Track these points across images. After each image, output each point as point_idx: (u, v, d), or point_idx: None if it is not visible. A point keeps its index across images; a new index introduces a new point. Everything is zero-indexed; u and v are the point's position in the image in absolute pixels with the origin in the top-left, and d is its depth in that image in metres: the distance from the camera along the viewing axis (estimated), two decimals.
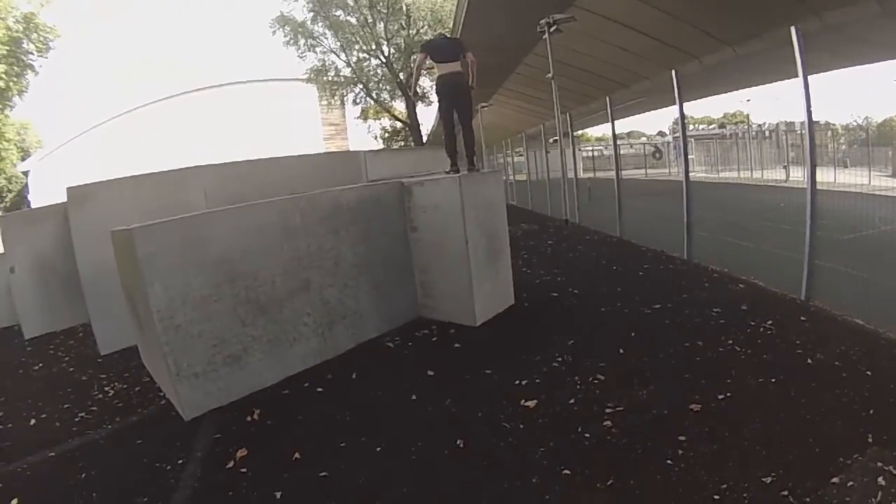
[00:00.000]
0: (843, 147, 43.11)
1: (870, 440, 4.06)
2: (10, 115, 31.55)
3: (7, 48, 25.18)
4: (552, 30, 15.94)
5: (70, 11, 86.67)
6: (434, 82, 8.23)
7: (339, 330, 6.20)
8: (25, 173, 43.18)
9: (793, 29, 7.20)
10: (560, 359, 5.63)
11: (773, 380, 5.00)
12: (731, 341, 5.91)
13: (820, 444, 4.03)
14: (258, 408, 5.02)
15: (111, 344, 7.61)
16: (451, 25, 31.45)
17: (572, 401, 4.76)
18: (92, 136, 45.18)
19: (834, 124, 47.82)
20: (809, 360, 5.39)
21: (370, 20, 41.13)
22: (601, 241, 13.00)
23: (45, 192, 36.46)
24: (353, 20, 41.28)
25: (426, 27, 40.52)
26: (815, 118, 7.78)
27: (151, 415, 5.38)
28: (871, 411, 4.45)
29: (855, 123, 64.22)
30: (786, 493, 3.51)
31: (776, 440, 4.09)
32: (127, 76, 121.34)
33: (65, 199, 7.87)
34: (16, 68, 26.17)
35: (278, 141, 42.68)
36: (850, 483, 3.62)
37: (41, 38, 26.65)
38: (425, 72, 9.79)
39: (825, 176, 9.64)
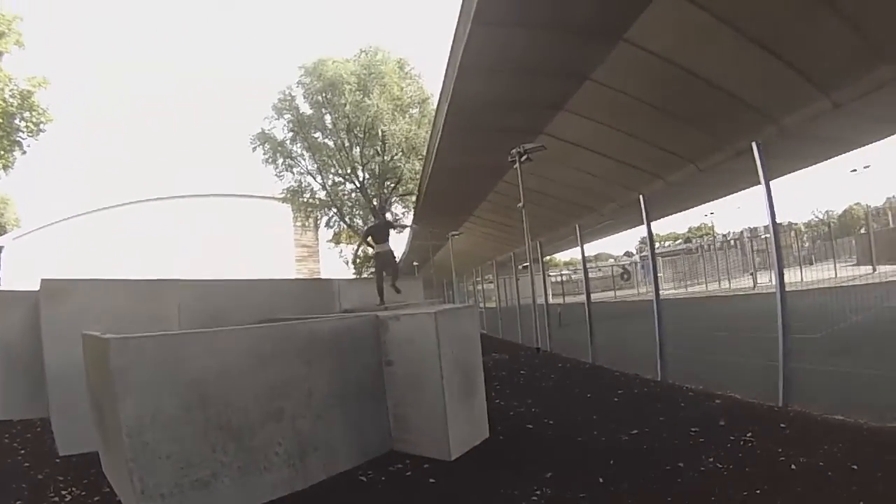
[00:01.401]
0: (807, 244, 44.30)
1: None
2: None
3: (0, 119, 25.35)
4: (523, 159, 16.40)
5: (66, 97, 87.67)
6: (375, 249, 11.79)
7: (311, 461, 6.02)
8: None
9: (753, 144, 7.66)
10: (539, 492, 5.48)
11: (758, 491, 5.00)
12: (711, 459, 5.88)
13: None
14: None
15: (71, 445, 7.28)
16: (423, 153, 32.40)
17: None
18: (70, 224, 45.59)
19: (796, 223, 49.34)
20: (793, 466, 5.43)
21: (347, 144, 42.41)
22: (574, 368, 13.02)
23: (17, 272, 36.54)
24: (331, 143, 42.49)
25: (400, 154, 41.87)
26: (777, 220, 8.10)
27: None
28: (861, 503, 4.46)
29: (816, 219, 66.34)
30: None
31: None
32: (112, 171, 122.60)
33: (36, 286, 7.76)
34: (4, 142, 26.37)
35: (251, 258, 43.00)
36: None
37: (33, 119, 26.97)
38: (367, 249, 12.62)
39: (792, 276, 9.84)
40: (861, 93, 14.13)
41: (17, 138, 27.20)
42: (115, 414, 4.77)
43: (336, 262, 48.36)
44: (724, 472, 5.51)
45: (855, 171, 49.08)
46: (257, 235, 50.37)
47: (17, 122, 26.82)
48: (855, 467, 5.27)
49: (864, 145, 23.35)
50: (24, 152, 27.95)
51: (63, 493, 5.97)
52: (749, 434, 6.22)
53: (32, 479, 6.48)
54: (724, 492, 5.05)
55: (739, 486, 5.12)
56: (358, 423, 6.73)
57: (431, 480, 5.98)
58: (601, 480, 5.68)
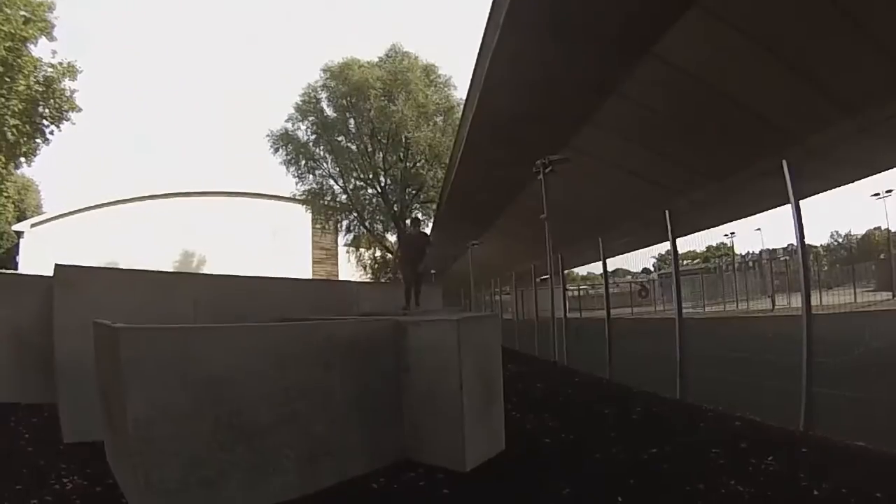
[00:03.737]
0: (826, 268, 43.97)
1: None
2: (15, 173, 31.65)
3: (24, 104, 25.54)
4: (547, 170, 16.37)
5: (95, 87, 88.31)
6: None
7: (322, 465, 5.88)
8: (19, 234, 43.76)
9: (784, 162, 7.56)
10: None
11: None
12: (732, 481, 5.73)
13: None
14: None
15: (77, 433, 7.21)
16: (446, 161, 32.32)
17: None
18: (90, 214, 45.76)
19: (815, 247, 49.00)
20: (815, 492, 5.34)
21: (370, 149, 42.36)
22: (591, 383, 12.90)
23: (35, 258, 37.24)
24: (354, 147, 42.45)
25: (423, 161, 41.73)
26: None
27: None
28: None
29: (836, 243, 65.96)
30: None
31: None
32: (129, 163, 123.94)
33: (51, 272, 7.76)
34: (28, 127, 26.42)
35: (267, 258, 43.00)
36: None
37: (57, 106, 27.14)
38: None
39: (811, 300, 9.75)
40: (887, 116, 14.05)
41: (41, 125, 27.34)
42: (123, 406, 4.69)
43: (354, 266, 48.36)
44: (745, 495, 5.38)
45: (877, 195, 48.62)
46: (275, 236, 50.38)
47: (41, 108, 26.95)
48: (879, 495, 5.20)
49: (887, 169, 23.26)
50: (48, 140, 28.13)
51: (65, 480, 5.90)
52: (770, 458, 6.08)
53: (35, 464, 6.42)
54: None
55: None
56: (372, 430, 6.58)
57: (445, 491, 5.84)
58: (620, 500, 5.59)
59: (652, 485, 5.87)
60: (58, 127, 27.81)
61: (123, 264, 24.60)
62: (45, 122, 27.32)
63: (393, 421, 6.89)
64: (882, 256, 43.32)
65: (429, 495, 5.77)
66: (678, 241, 11.00)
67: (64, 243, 37.50)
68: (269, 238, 49.65)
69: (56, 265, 7.77)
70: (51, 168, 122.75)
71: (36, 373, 8.75)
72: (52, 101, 26.89)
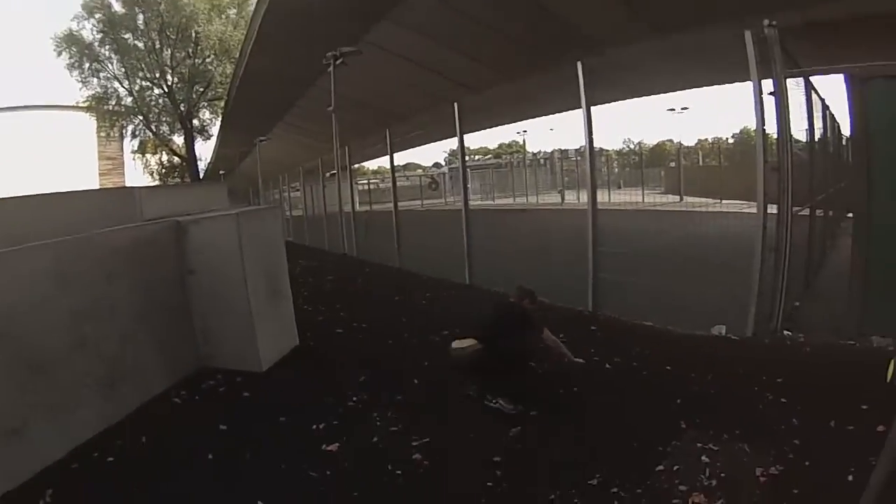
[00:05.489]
0: (616, 170, 47.34)
1: (683, 426, 4.57)
2: None
3: None
4: (338, 62, 16.07)
5: None
6: None
7: (122, 389, 5.55)
8: None
9: (578, 64, 7.79)
10: (355, 397, 5.59)
11: (575, 388, 5.48)
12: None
13: (637, 439, 4.46)
14: (50, 488, 4.26)
15: None
16: (237, 56, 30.96)
17: (375, 439, 4.76)
18: None
19: (608, 150, 52.55)
20: (608, 366, 5.65)
21: (158, 46, 40.04)
22: (381, 272, 13.38)
23: None
24: (141, 45, 39.95)
25: (213, 56, 40.04)
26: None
27: None
28: (678, 400, 5.04)
29: (628, 148, 71.21)
30: (615, 489, 3.81)
31: (592, 444, 4.44)
32: None
33: None
34: None
35: (49, 174, 39.60)
36: (676, 467, 4.01)
37: None
38: None
39: (600, 196, 10.39)
40: (694, 42, 14.87)
41: None
42: None
43: (142, 173, 46.01)
44: (538, 370, 5.82)
45: (672, 110, 52.67)
46: (56, 150, 45.79)
47: None
48: (669, 367, 5.59)
49: (685, 88, 24.92)
50: None
51: None
52: (562, 335, 6.25)
53: None
54: (542, 390, 5.17)
55: (557, 384, 5.26)
56: (166, 342, 6.25)
57: (246, 394, 5.85)
58: (416, 382, 5.70)
59: (445, 365, 6.05)
60: None
61: None
62: None
63: (185, 330, 6.64)
64: (672, 164, 47.34)
65: (230, 400, 5.75)
66: (471, 136, 11.30)
67: None
68: (49, 153, 45.26)
69: None
70: None
71: None
72: None
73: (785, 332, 6.96)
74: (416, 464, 4.29)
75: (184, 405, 5.72)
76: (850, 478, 3.66)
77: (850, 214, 8.76)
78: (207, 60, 40.95)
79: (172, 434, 5.09)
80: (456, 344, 5.31)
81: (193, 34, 39.34)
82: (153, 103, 42.07)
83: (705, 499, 3.63)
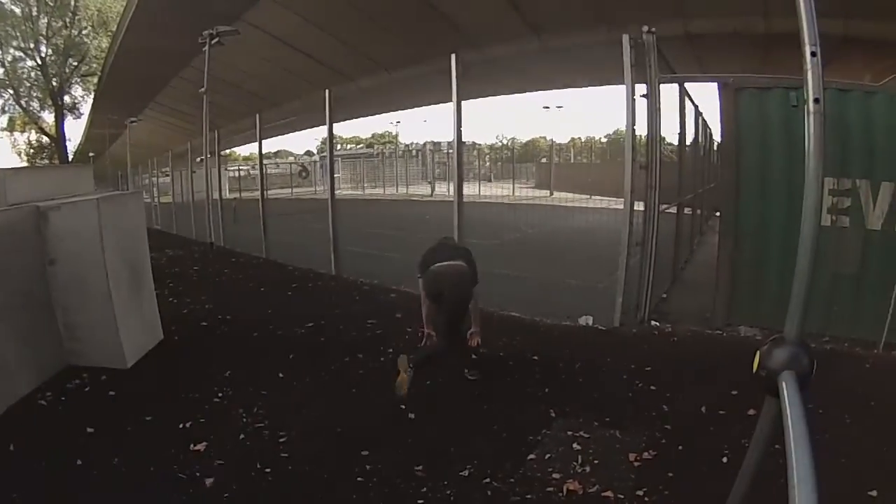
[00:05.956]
0: (488, 164, 48.45)
1: (553, 414, 4.62)
2: None
3: None
4: (213, 42, 15.57)
5: None
6: None
7: None
8: None
9: (453, 56, 7.78)
10: (220, 393, 5.38)
11: (441, 379, 5.46)
12: (391, 350, 6.23)
13: (507, 429, 4.47)
14: None
15: None
16: (114, 29, 29.46)
17: (242, 436, 4.56)
18: None
19: (480, 144, 53.56)
20: (474, 356, 5.78)
21: (35, 13, 37.60)
22: (247, 263, 13.08)
23: None
24: (18, 11, 37.34)
25: (90, 28, 37.97)
26: (463, 139, 8.63)
27: None
28: (547, 390, 5.15)
29: (501, 143, 72.86)
30: (487, 479, 3.77)
31: (462, 435, 4.40)
32: None
33: None
34: None
35: None
36: (548, 455, 4.02)
37: None
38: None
39: (471, 189, 10.53)
40: (569, 43, 15.28)
41: None
42: None
43: (9, 153, 43.22)
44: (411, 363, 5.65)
45: (548, 108, 54.38)
46: None
47: None
48: (536, 358, 5.71)
49: (560, 88, 25.57)
50: None
51: None
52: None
53: None
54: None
55: (424, 376, 5.25)
56: (29, 339, 5.67)
57: (111, 393, 5.50)
58: (281, 375, 5.72)
59: (312, 358, 6.21)
60: None
61: None
62: None
63: (49, 325, 6.08)
64: (544, 160, 48.97)
65: (95, 401, 5.37)
66: (344, 125, 11.32)
67: None
68: None
69: None
70: None
71: None
72: None
73: (652, 323, 7.27)
74: (284, 462, 4.13)
75: (50, 407, 5.24)
76: (725, 459, 3.83)
77: (718, 213, 9.20)
78: (84, 32, 38.63)
79: (40, 440, 4.58)
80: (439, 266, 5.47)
81: (72, 2, 37.26)
82: (24, 76, 39.70)
83: (580, 485, 3.67)
